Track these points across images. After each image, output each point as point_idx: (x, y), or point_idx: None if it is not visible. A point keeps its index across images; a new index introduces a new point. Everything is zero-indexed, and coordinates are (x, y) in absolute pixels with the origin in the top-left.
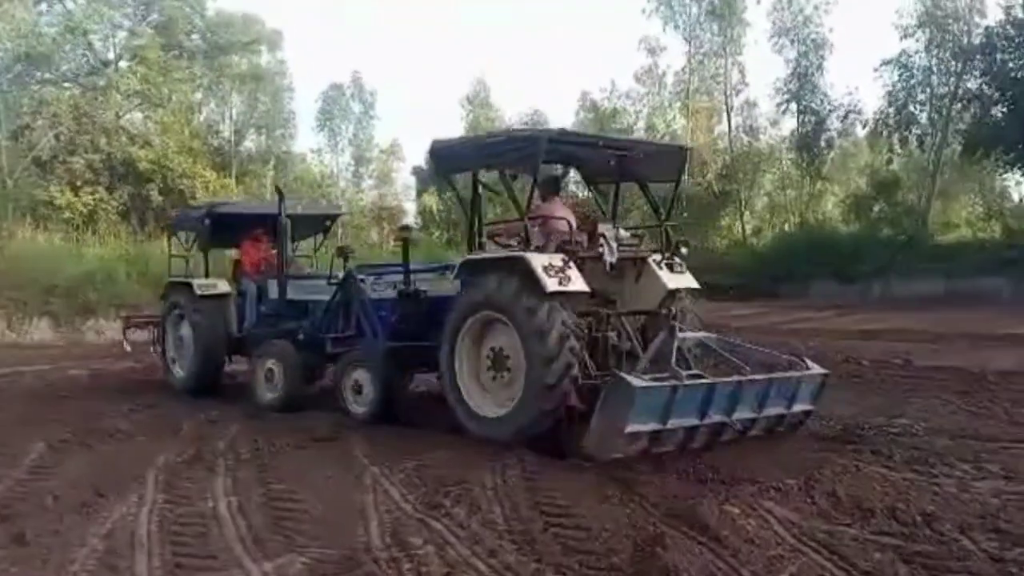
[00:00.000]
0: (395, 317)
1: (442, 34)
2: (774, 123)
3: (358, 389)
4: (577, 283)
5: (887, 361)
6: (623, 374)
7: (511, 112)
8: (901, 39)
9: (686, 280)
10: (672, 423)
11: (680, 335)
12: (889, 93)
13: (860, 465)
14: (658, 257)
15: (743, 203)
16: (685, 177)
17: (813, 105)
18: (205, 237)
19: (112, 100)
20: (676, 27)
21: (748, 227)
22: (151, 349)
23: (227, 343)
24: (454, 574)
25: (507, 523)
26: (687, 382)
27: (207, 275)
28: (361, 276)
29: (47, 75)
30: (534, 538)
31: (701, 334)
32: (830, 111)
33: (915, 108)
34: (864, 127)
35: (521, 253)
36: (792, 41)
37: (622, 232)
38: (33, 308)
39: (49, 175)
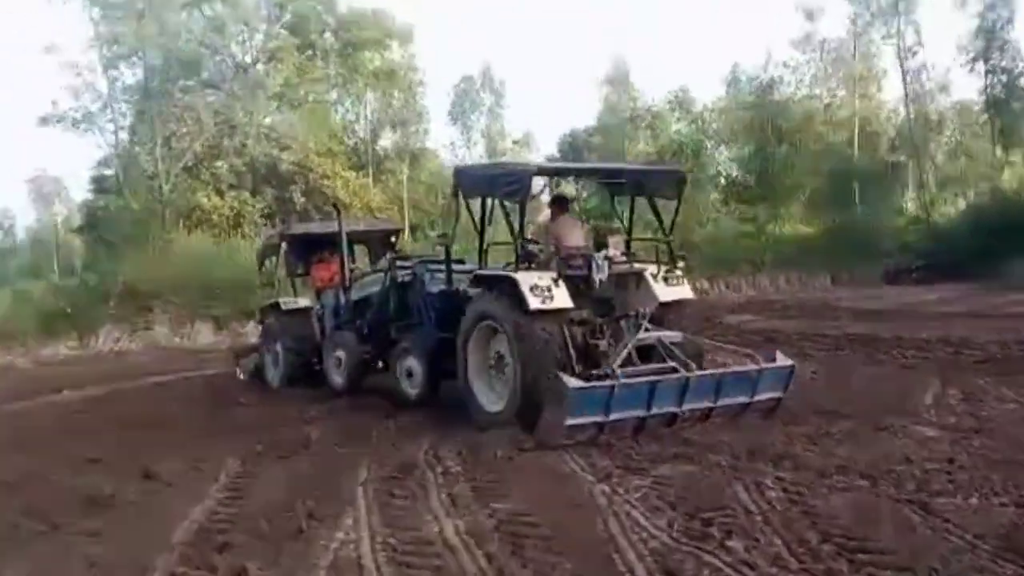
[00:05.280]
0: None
1: (574, 14)
2: (953, 87)
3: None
4: (560, 300)
5: None
6: (563, 376)
7: (655, 92)
8: None
9: (680, 292)
10: (616, 415)
11: (638, 336)
12: None
13: None
14: (654, 270)
15: (921, 175)
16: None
17: (1003, 64)
18: (289, 257)
19: (256, 103)
20: None
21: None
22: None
23: (312, 347)
24: None
25: (798, 559)
26: (623, 380)
27: (294, 295)
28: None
29: (190, 82)
30: None
31: (662, 333)
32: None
33: None
34: None
35: (512, 273)
36: None
37: (611, 251)
38: (194, 312)
39: (196, 180)
